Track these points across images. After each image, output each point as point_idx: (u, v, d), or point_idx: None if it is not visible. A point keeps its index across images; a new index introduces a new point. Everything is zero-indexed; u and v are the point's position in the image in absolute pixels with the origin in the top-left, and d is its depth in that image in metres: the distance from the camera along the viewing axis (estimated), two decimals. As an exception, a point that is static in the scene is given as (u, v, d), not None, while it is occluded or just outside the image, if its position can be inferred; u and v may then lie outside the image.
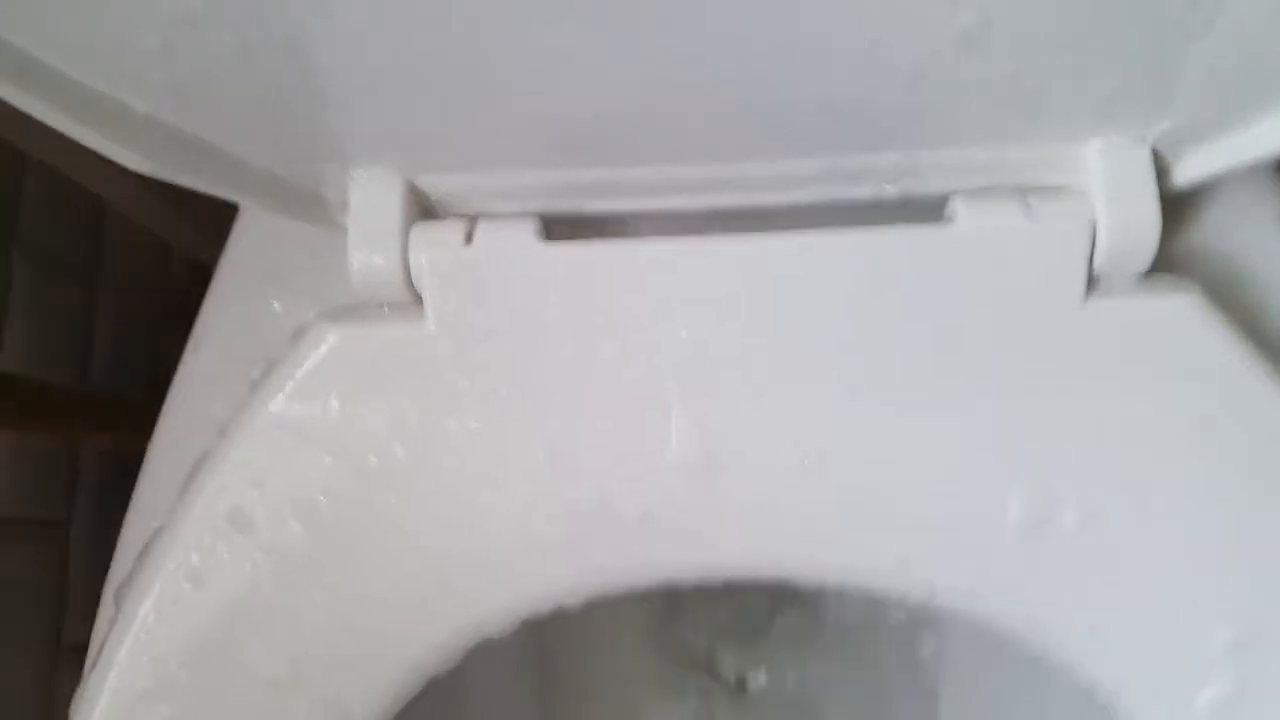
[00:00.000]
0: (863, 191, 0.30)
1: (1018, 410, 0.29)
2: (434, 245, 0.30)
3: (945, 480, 0.29)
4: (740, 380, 0.29)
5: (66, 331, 0.67)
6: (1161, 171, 0.29)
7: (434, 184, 0.30)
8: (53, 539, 0.64)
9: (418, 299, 0.30)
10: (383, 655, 0.31)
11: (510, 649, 0.35)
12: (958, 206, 0.29)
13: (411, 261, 0.30)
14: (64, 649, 0.63)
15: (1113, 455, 0.28)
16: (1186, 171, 0.29)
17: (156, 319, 0.77)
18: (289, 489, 0.31)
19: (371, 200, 0.30)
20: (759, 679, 0.54)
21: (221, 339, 0.35)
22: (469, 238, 0.30)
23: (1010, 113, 0.27)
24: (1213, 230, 0.32)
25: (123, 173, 0.27)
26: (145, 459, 0.35)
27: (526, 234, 0.30)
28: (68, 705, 0.32)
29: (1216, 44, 0.24)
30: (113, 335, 0.71)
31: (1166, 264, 0.31)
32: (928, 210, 0.30)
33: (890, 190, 0.30)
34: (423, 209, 0.31)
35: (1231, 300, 0.31)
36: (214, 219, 0.36)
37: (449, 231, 0.30)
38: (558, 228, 0.30)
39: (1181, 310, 0.28)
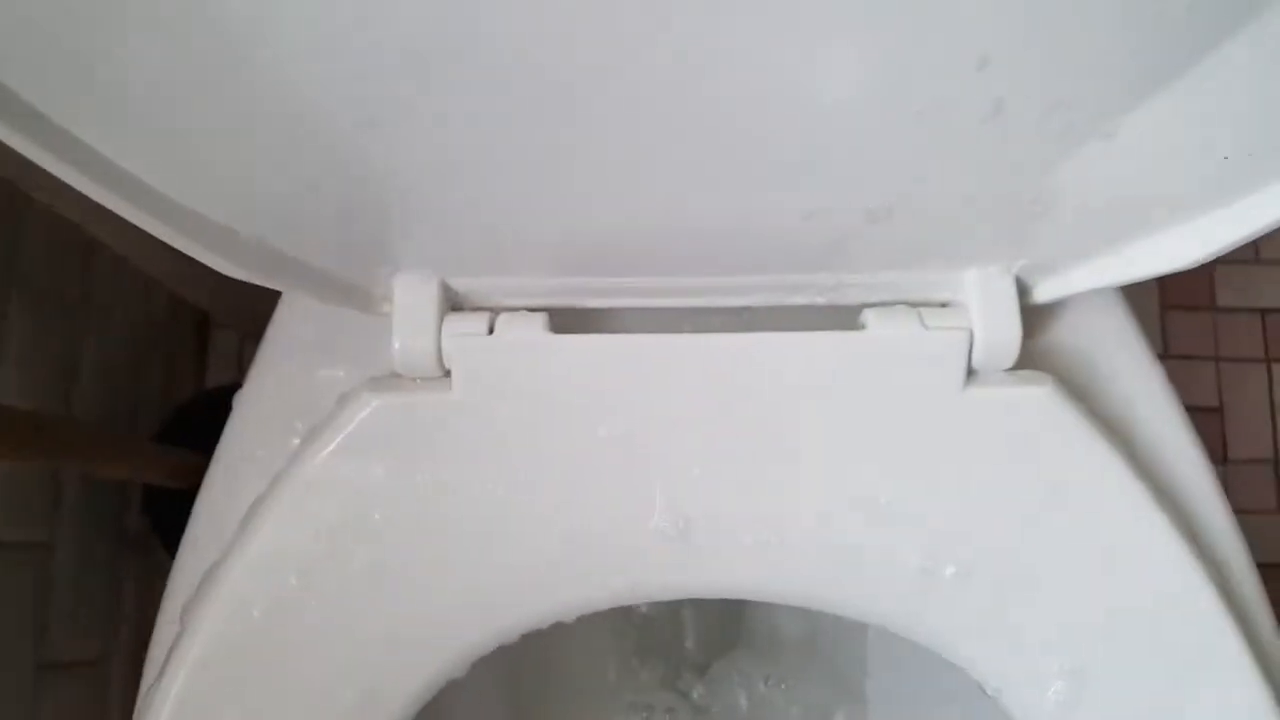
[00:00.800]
0: (799, 300, 0.39)
1: (913, 477, 0.37)
2: (462, 334, 0.37)
3: (864, 533, 0.38)
4: (706, 456, 0.37)
5: (55, 363, 0.70)
6: (1024, 292, 0.38)
7: (463, 284, 0.38)
8: (35, 561, 0.66)
9: (446, 375, 0.38)
10: (418, 660, 0.38)
11: (483, 672, 0.42)
12: (869, 316, 0.38)
13: (443, 345, 0.37)
14: (42, 669, 0.65)
15: (982, 513, 0.37)
16: (1043, 293, 0.38)
17: (139, 351, 0.81)
18: (331, 532, 0.38)
19: (412, 296, 0.37)
20: (723, 697, 0.61)
21: (272, 396, 0.41)
22: (491, 327, 0.37)
23: (908, 254, 0.36)
24: (1070, 331, 0.41)
25: (124, 222, 0.30)
26: (199, 498, 0.41)
27: (537, 327, 0.37)
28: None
29: (1054, 221, 0.33)
30: (97, 366, 0.74)
31: (1035, 358, 0.41)
32: (847, 314, 0.39)
33: (820, 300, 0.39)
34: (453, 302, 0.38)
35: (1083, 386, 0.41)
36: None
37: (475, 322, 0.37)
38: (563, 318, 0.38)
39: (1039, 397, 0.38)
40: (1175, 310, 0.90)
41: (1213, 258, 0.36)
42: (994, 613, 0.38)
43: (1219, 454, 0.88)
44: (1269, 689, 0.37)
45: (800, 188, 0.33)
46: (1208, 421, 0.89)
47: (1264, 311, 0.90)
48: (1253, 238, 0.34)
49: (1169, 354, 0.89)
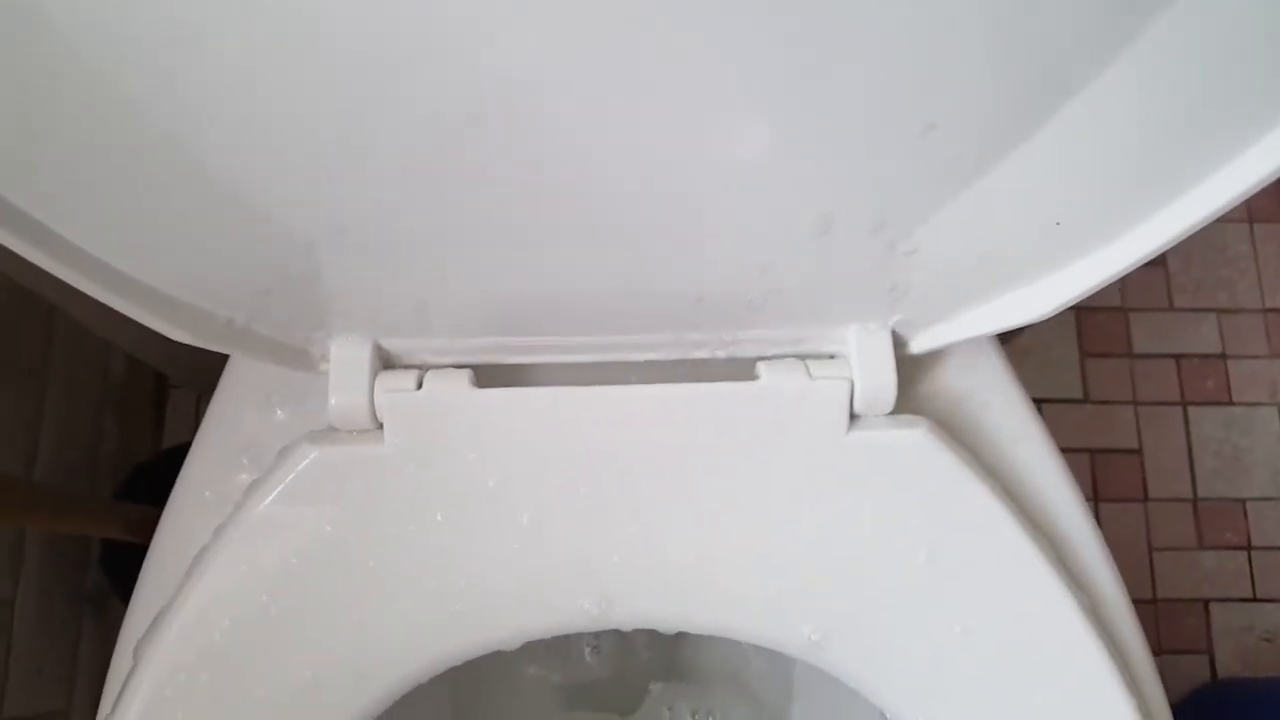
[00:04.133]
0: (700, 354, 0.43)
1: (806, 516, 0.41)
2: (393, 390, 0.41)
3: (764, 572, 0.41)
4: (614, 498, 0.41)
5: (17, 424, 0.72)
6: (902, 344, 0.42)
7: (395, 344, 0.42)
8: (-1, 618, 0.68)
9: (379, 427, 0.41)
10: (348, 694, 0.41)
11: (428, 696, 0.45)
12: (761, 368, 0.42)
13: (376, 401, 0.41)
14: (1, 721, 0.68)
15: (868, 548, 0.41)
16: (918, 345, 0.43)
17: (98, 411, 0.83)
18: (271, 576, 0.41)
19: (347, 356, 0.41)
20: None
21: (220, 445, 0.44)
22: (420, 383, 0.41)
23: (794, 314, 0.40)
24: (948, 378, 0.46)
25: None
26: (152, 545, 0.44)
27: (463, 382, 0.41)
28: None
29: (915, 284, 0.38)
30: (58, 427, 0.76)
31: (917, 402, 0.45)
32: (744, 365, 0.43)
33: (719, 354, 0.43)
34: (386, 361, 0.42)
35: (961, 428, 0.45)
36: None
37: (405, 379, 0.41)
38: (488, 374, 0.42)
39: (915, 439, 0.42)
40: (1094, 357, 0.95)
41: (1065, 308, 0.40)
42: (878, 647, 0.42)
43: (1140, 493, 0.93)
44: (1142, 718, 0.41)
45: (692, 262, 0.38)
46: (1129, 463, 0.93)
47: (1178, 356, 0.96)
48: (1100, 287, 0.38)
49: (1090, 399, 0.94)
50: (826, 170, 0.33)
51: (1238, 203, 0.34)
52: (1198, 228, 0.35)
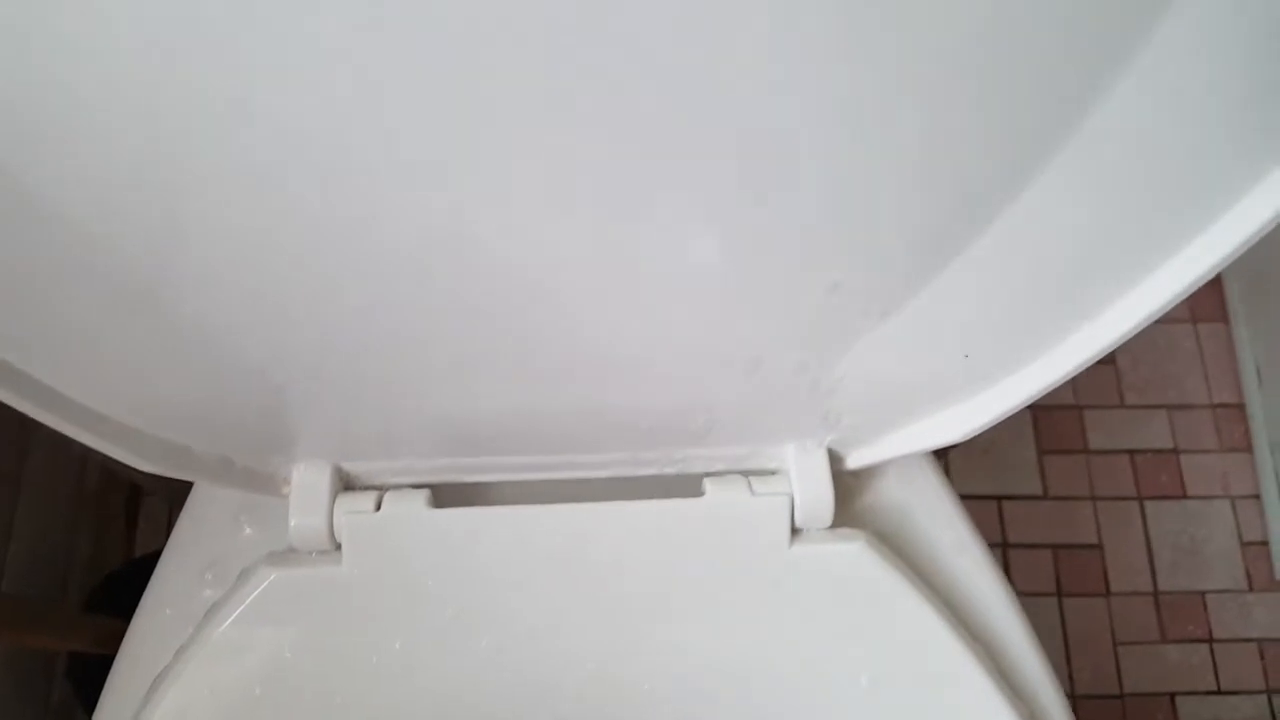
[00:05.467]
0: (650, 471, 0.45)
1: (746, 624, 0.43)
2: (352, 512, 0.42)
3: (713, 686, 0.43)
4: (568, 613, 0.43)
5: (-11, 534, 0.73)
6: (837, 460, 0.45)
7: (355, 466, 0.43)
8: (-37, 731, 0.68)
9: (338, 548, 0.43)
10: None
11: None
12: (707, 484, 0.44)
13: (335, 523, 0.42)
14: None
15: (809, 659, 0.43)
16: (854, 460, 0.45)
17: (71, 520, 0.84)
18: (230, 695, 0.42)
19: (308, 480, 0.43)
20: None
21: (187, 559, 0.46)
22: (378, 505, 0.43)
23: (736, 439, 0.42)
24: (885, 491, 0.48)
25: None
26: (116, 661, 0.45)
27: (419, 502, 0.43)
28: None
29: (843, 420, 0.41)
30: (29, 535, 0.77)
31: (856, 515, 0.47)
32: (692, 481, 0.45)
33: (669, 470, 0.45)
34: (346, 483, 0.44)
35: (898, 538, 0.47)
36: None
37: (364, 500, 0.43)
38: (446, 493, 0.44)
39: (853, 552, 0.44)
40: (1051, 454, 0.98)
41: (990, 425, 0.42)
42: None
43: (1103, 588, 0.94)
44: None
45: (638, 395, 0.40)
46: (1089, 558, 0.95)
47: (1132, 452, 0.98)
48: (1018, 409, 0.41)
49: (1049, 495, 0.96)
50: (751, 322, 0.36)
51: (1145, 325, 0.37)
52: (1106, 352, 0.38)
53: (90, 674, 0.77)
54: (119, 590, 0.80)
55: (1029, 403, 0.40)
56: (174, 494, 0.86)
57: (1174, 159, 0.30)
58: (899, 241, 0.33)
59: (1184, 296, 0.34)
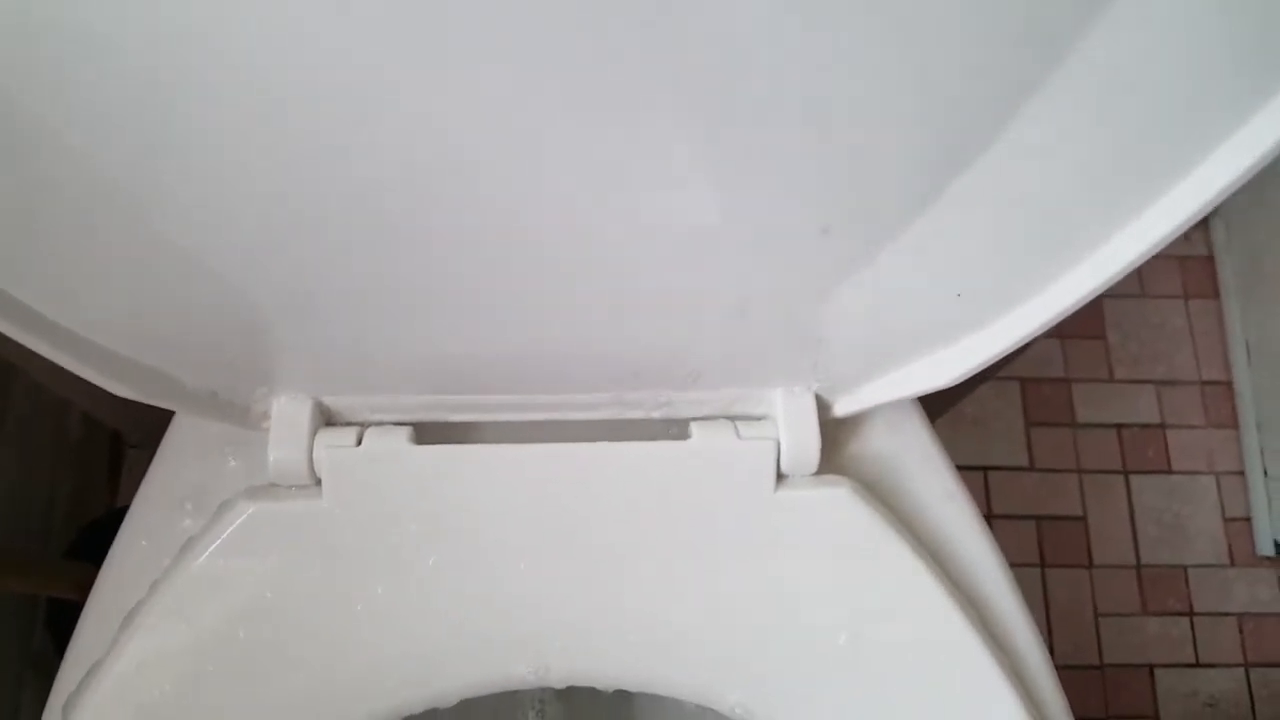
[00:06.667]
0: (636, 414, 0.44)
1: (730, 569, 0.42)
2: (333, 447, 0.42)
3: (698, 626, 0.43)
4: (551, 554, 0.42)
5: (-31, 482, 0.72)
6: (825, 407, 0.44)
7: (335, 401, 0.43)
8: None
9: (318, 483, 0.42)
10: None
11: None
12: (694, 428, 0.43)
13: (315, 457, 0.42)
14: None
15: (793, 603, 0.42)
16: (841, 408, 0.44)
17: (53, 469, 0.83)
18: (205, 629, 0.41)
19: (288, 414, 0.42)
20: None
21: (163, 493, 0.45)
22: (359, 440, 0.42)
23: (723, 383, 0.42)
24: (873, 439, 0.48)
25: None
26: (89, 599, 0.45)
27: (401, 439, 0.42)
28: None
29: (830, 364, 0.41)
30: (11, 483, 0.76)
31: (843, 463, 0.47)
32: (679, 426, 0.44)
33: (655, 414, 0.44)
34: (327, 418, 0.43)
35: (883, 487, 0.46)
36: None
37: (345, 436, 0.42)
38: (429, 431, 0.43)
39: (838, 497, 0.43)
40: (1038, 426, 0.98)
41: (976, 371, 0.42)
42: (801, 713, 0.43)
43: (1085, 560, 0.95)
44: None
45: (627, 333, 0.40)
46: (1073, 530, 0.95)
47: (1119, 426, 0.99)
48: (1007, 353, 0.40)
49: (1034, 467, 0.97)
50: (739, 264, 0.36)
51: (1133, 267, 0.36)
52: (1095, 294, 0.37)
53: (69, 623, 0.76)
54: (100, 539, 0.79)
55: (1021, 344, 0.40)
56: (156, 444, 0.86)
57: (1164, 91, 0.30)
58: (890, 180, 0.33)
59: (1178, 234, 0.34)
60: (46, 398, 0.79)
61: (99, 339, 0.37)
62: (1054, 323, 0.38)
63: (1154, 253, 0.35)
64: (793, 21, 0.26)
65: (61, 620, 0.78)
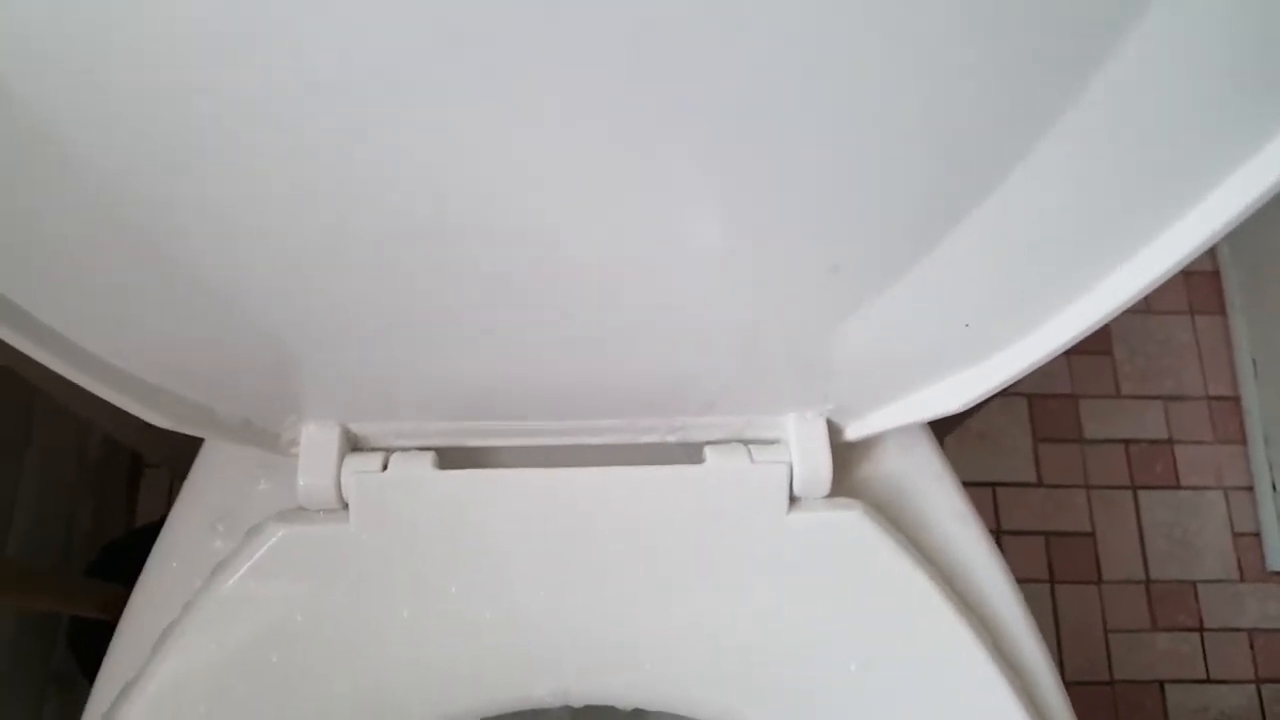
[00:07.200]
0: (651, 438, 0.46)
1: (744, 590, 0.44)
2: (360, 472, 0.43)
3: (710, 648, 0.44)
4: (568, 575, 0.43)
5: (-6, 502, 0.74)
6: (836, 431, 0.45)
7: (361, 428, 0.44)
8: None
9: (345, 507, 0.44)
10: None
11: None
12: (708, 452, 0.44)
13: (343, 482, 0.43)
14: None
15: (805, 624, 0.44)
16: (852, 432, 0.46)
17: (74, 489, 0.84)
18: (237, 651, 0.42)
19: (316, 440, 0.43)
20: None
21: (195, 518, 0.46)
22: (385, 465, 0.44)
23: (736, 409, 0.43)
24: (884, 462, 0.49)
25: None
26: (122, 621, 0.46)
27: (425, 464, 0.44)
28: None
29: (841, 391, 0.42)
30: (33, 503, 0.77)
31: (854, 486, 0.48)
32: (693, 449, 0.46)
33: (669, 438, 0.46)
34: (354, 444, 0.45)
35: (894, 509, 0.48)
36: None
37: (371, 461, 0.43)
38: (452, 456, 0.45)
39: (850, 520, 0.44)
40: (1046, 443, 0.98)
41: (983, 399, 0.43)
42: (824, 716, 0.44)
43: (1094, 576, 0.95)
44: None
45: (639, 361, 0.41)
46: (1082, 546, 0.96)
47: (1126, 442, 0.99)
48: (1018, 379, 0.42)
49: (1043, 483, 0.97)
50: (752, 297, 0.37)
51: (1140, 297, 0.37)
52: (1104, 322, 0.38)
53: (92, 641, 0.78)
54: (119, 559, 0.81)
55: (1030, 370, 0.41)
56: (176, 466, 0.87)
57: (1173, 127, 0.31)
58: (901, 220, 0.34)
59: (1185, 264, 0.35)
60: (68, 419, 0.81)
61: (132, 369, 0.38)
62: (1065, 349, 0.39)
63: (1162, 282, 0.36)
64: (809, 63, 0.27)
65: (83, 638, 0.79)
